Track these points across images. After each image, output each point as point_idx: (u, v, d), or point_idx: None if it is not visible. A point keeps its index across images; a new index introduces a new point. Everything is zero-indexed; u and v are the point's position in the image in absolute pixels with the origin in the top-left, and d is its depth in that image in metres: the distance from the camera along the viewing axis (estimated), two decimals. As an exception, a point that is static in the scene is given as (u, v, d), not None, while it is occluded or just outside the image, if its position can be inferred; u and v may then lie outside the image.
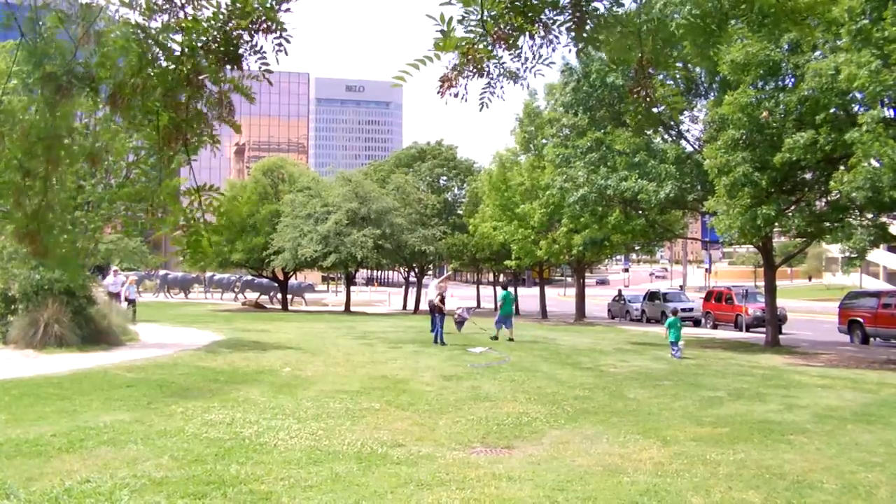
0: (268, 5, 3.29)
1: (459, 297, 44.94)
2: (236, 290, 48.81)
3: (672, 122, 21.87)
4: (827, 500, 5.93)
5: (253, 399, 9.87)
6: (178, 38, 3.36)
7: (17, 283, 14.82)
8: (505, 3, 3.17)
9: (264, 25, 3.30)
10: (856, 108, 16.77)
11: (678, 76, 19.05)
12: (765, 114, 16.87)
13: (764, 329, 23.09)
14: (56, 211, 3.79)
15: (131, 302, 22.99)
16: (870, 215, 17.39)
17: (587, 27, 3.25)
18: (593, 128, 22.44)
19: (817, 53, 17.03)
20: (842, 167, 16.35)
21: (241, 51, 3.35)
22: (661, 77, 3.99)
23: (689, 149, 22.38)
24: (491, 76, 3.40)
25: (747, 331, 28.04)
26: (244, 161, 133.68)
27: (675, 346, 17.07)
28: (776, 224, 18.65)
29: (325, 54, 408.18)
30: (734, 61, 16.92)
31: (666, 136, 23.07)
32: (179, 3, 3.31)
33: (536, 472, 6.53)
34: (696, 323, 32.96)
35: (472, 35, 3.19)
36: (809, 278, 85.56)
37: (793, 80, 17.80)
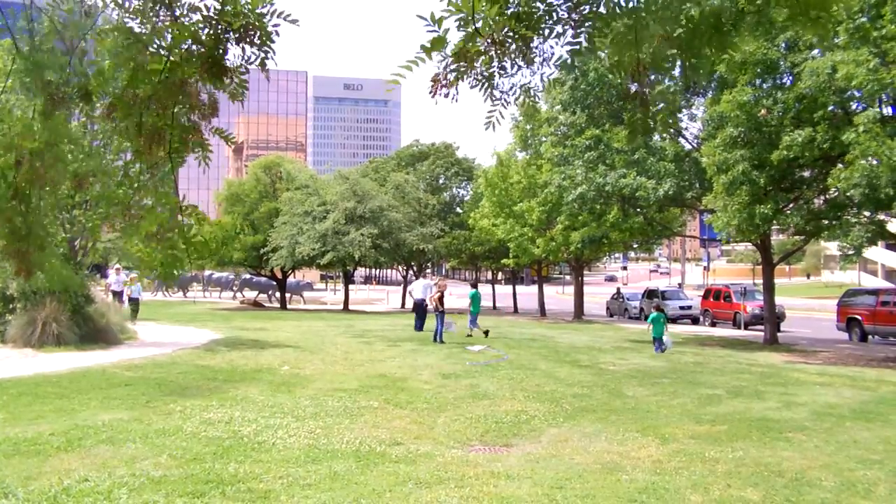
0: (257, 11, 3.25)
1: (458, 295, 44.88)
2: (235, 288, 48.78)
3: (669, 122, 21.88)
4: (825, 497, 5.93)
5: (251, 397, 9.86)
6: (168, 42, 3.32)
7: (15, 283, 14.80)
8: (499, 11, 3.15)
9: (250, 33, 3.26)
10: (854, 106, 16.79)
11: (677, 76, 19.06)
12: (763, 111, 16.88)
13: (762, 327, 23.12)
14: (42, 232, 3.73)
15: (135, 301, 22.87)
16: (867, 213, 17.42)
17: (586, 26, 3.21)
18: (591, 126, 22.44)
19: (815, 52, 17.04)
20: (840, 164, 16.38)
21: (227, 57, 3.31)
22: (659, 78, 3.93)
23: (688, 146, 22.40)
24: (501, 90, 3.38)
25: (746, 328, 28.09)
26: (242, 159, 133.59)
27: (658, 343, 17.50)
28: (774, 222, 18.68)
29: (324, 52, 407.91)
30: (731, 60, 16.93)
31: (664, 135, 23.07)
32: (168, 6, 3.28)
33: (535, 470, 6.53)
34: (695, 321, 33.01)
35: (463, 33, 3.17)
36: (808, 276, 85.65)
37: (791, 78, 17.81)
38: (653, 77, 3.62)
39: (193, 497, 5.54)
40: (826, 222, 18.47)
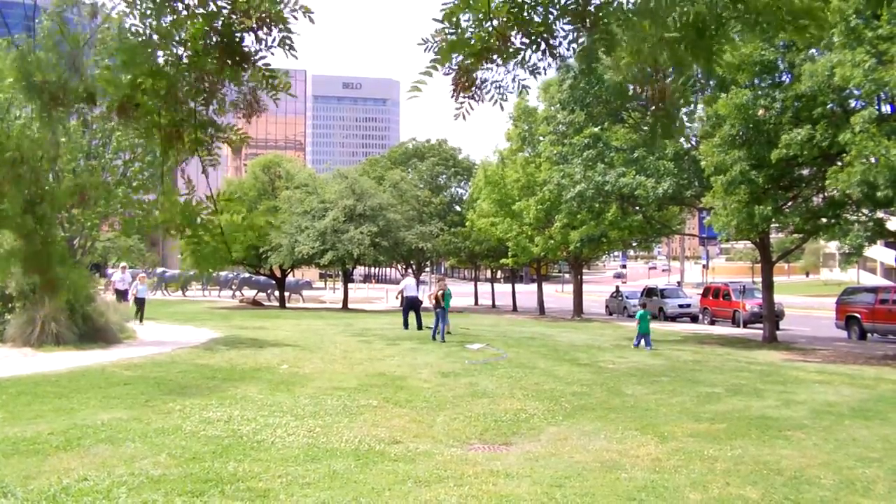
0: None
1: (457, 294, 44.73)
2: (234, 287, 48.75)
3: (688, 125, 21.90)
4: (824, 495, 5.94)
5: (251, 396, 9.86)
6: (183, 37, 3.29)
7: (13, 281, 14.78)
8: (507, 10, 3.14)
9: (268, 21, 3.24)
10: (853, 104, 16.78)
11: (697, 72, 19.11)
12: (761, 111, 16.88)
13: (761, 325, 23.14)
14: (59, 246, 3.73)
15: (140, 301, 22.79)
16: (866, 211, 17.42)
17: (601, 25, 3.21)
18: (590, 124, 22.43)
19: (812, 51, 17.04)
20: (839, 163, 16.37)
21: (245, 48, 3.28)
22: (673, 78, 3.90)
23: (687, 145, 22.39)
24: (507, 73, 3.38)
25: (745, 327, 28.10)
26: (241, 158, 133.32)
27: (645, 338, 17.92)
28: (773, 221, 18.67)
29: (322, 51, 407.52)
30: (729, 62, 16.90)
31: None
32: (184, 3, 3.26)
33: (534, 469, 6.53)
34: (694, 319, 33.03)
35: (479, 34, 3.17)
36: (807, 274, 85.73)
37: (789, 77, 17.80)
38: (668, 80, 3.60)
39: (193, 496, 5.54)
40: (825, 221, 18.47)
